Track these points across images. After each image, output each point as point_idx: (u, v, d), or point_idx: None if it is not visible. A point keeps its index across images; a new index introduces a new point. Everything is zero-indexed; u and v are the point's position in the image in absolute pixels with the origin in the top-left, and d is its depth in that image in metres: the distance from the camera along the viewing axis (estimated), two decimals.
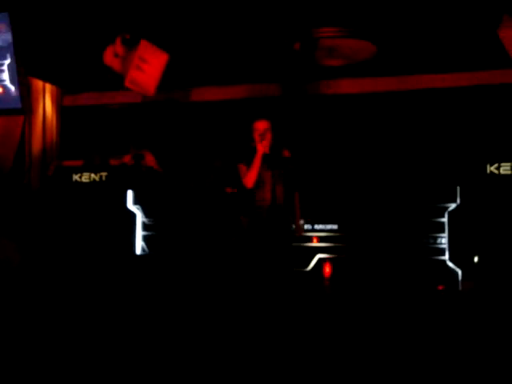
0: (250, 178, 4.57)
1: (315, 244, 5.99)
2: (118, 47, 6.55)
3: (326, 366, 3.60)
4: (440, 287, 5.58)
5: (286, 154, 4.75)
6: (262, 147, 4.56)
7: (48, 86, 7.46)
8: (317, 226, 6.04)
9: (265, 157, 4.58)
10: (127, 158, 6.67)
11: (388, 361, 3.71)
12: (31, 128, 7.17)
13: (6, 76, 6.72)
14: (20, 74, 6.63)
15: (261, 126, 4.66)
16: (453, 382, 3.34)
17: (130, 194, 6.29)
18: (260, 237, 4.64)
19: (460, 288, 5.50)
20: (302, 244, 5.90)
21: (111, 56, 6.60)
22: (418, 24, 6.09)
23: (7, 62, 6.68)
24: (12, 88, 6.73)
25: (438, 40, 6.37)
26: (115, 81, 6.76)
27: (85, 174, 6.50)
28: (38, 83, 7.31)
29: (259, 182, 4.61)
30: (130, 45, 6.56)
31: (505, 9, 5.35)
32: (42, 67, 7.13)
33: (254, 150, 4.61)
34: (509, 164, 5.50)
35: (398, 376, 3.44)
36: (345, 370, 3.52)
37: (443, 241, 5.66)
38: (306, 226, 5.91)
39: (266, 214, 4.62)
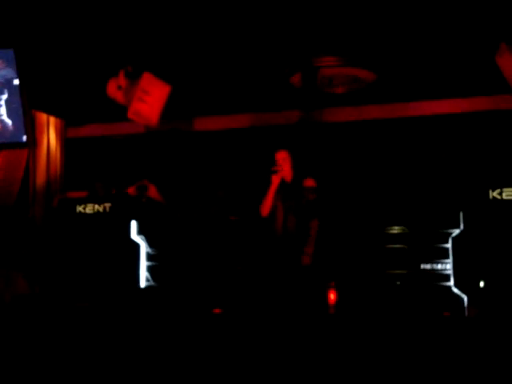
0: (264, 207, 4.61)
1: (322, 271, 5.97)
2: (121, 79, 6.65)
3: None
4: (446, 313, 5.54)
5: (309, 183, 4.77)
6: (276, 177, 4.60)
7: (52, 119, 7.53)
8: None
9: (283, 187, 4.60)
10: (131, 189, 6.70)
11: None
12: (35, 161, 7.22)
13: (3, 111, 6.85)
14: (25, 108, 6.73)
15: (276, 156, 4.72)
16: None
17: (133, 224, 6.30)
18: (268, 266, 4.66)
19: (466, 314, 5.46)
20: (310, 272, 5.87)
21: (114, 88, 6.70)
22: (418, 51, 6.17)
23: (5, 97, 6.83)
24: (9, 122, 6.85)
25: (438, 67, 6.44)
26: (118, 112, 6.84)
27: (89, 205, 6.51)
28: (42, 116, 7.38)
29: (272, 214, 4.64)
30: (133, 77, 6.66)
31: (502, 37, 5.42)
32: (46, 100, 7.21)
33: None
34: (511, 189, 5.50)
35: None
36: None
37: (448, 266, 5.64)
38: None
39: (277, 243, 4.63)
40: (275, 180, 4.61)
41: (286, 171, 4.75)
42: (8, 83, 6.80)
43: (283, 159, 4.73)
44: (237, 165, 7.40)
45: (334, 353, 4.61)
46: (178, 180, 7.52)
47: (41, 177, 7.29)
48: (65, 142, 7.77)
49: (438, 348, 4.65)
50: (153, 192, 6.77)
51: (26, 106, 6.78)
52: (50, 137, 7.49)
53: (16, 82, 6.78)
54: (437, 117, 7.15)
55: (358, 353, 4.56)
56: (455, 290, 5.55)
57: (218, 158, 7.54)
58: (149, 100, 6.50)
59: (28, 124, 6.80)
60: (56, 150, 7.58)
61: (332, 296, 5.89)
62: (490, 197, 5.56)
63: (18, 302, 6.01)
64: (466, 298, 5.49)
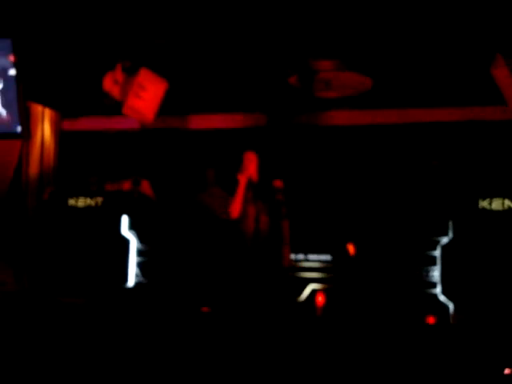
0: (234, 208, 4.64)
1: (307, 275, 6.01)
2: (118, 74, 6.63)
3: None
4: (431, 320, 5.59)
5: (278, 183, 4.82)
6: (242, 177, 4.64)
7: (47, 111, 7.51)
8: (308, 257, 6.07)
9: (251, 187, 4.65)
10: (126, 185, 6.70)
11: None
12: (29, 153, 7.21)
13: None
14: (20, 99, 6.71)
15: (245, 157, 4.77)
16: None
17: (125, 219, 6.31)
18: (245, 267, 4.69)
19: (451, 321, 5.52)
20: (292, 274, 5.92)
21: (111, 82, 6.68)
22: (415, 59, 6.22)
23: (0, 87, 6.79)
24: (3, 112, 6.83)
25: (432, 75, 6.49)
26: (114, 107, 6.83)
27: (80, 198, 6.52)
28: (38, 108, 7.36)
29: (244, 214, 4.67)
30: (130, 72, 6.64)
31: (498, 48, 5.47)
32: (41, 92, 7.19)
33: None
34: (500, 199, 5.56)
35: None
36: None
37: (435, 274, 5.70)
38: (298, 257, 5.94)
39: (251, 244, 4.67)
40: (241, 180, 4.66)
41: (252, 172, 4.80)
42: (3, 73, 6.77)
43: (249, 160, 4.78)
44: (227, 164, 7.41)
45: (320, 354, 4.65)
46: (171, 176, 7.53)
47: (34, 169, 7.28)
48: (59, 134, 7.76)
49: (422, 354, 4.70)
50: (146, 188, 6.78)
51: (21, 96, 6.75)
52: (45, 129, 7.47)
53: (12, 72, 6.75)
54: (428, 124, 7.19)
55: (345, 355, 4.60)
56: (442, 297, 5.60)
57: (210, 156, 7.55)
58: (145, 96, 6.49)
59: (22, 115, 6.77)
60: (50, 143, 7.56)
61: (320, 299, 5.93)
62: (480, 206, 5.62)
63: (7, 300, 5.99)
64: (451, 306, 5.55)
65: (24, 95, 6.75)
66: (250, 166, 4.75)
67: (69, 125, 7.89)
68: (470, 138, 7.01)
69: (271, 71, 6.76)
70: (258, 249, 4.69)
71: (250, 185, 4.70)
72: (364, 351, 4.74)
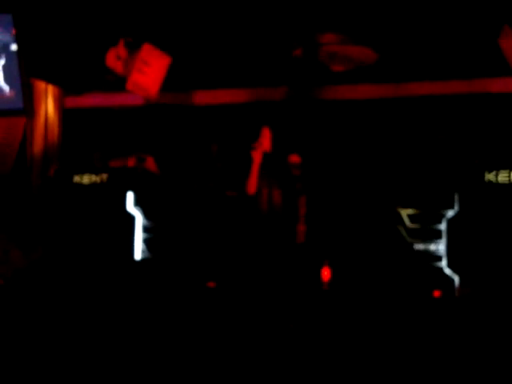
0: (250, 186, 4.64)
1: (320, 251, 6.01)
2: (121, 50, 6.58)
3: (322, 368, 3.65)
4: (437, 293, 5.61)
5: (294, 158, 4.81)
6: (256, 154, 4.63)
7: (50, 88, 7.47)
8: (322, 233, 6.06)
9: (266, 162, 4.64)
10: (131, 161, 6.69)
11: (383, 364, 3.75)
12: (33, 129, 7.19)
13: (0, 77, 6.79)
14: (23, 76, 6.67)
15: (260, 133, 4.75)
16: None
17: (130, 196, 6.31)
18: (258, 242, 4.69)
19: (456, 294, 5.54)
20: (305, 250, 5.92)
21: (114, 58, 6.63)
22: (421, 31, 6.14)
23: (1, 62, 6.74)
24: (7, 89, 6.79)
25: (439, 47, 6.41)
26: (117, 83, 6.79)
27: (85, 175, 6.51)
28: (41, 84, 7.32)
29: (258, 188, 4.67)
30: (133, 48, 6.59)
31: (505, 19, 5.40)
32: (45, 68, 7.15)
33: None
34: (507, 172, 5.53)
35: (391, 378, 3.48)
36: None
37: (441, 247, 5.70)
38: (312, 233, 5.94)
39: (263, 220, 4.67)
40: (256, 157, 4.66)
41: (266, 146, 4.78)
42: (5, 48, 6.73)
43: (263, 136, 4.77)
44: (234, 139, 7.39)
45: (326, 328, 4.68)
46: (177, 152, 7.51)
47: (38, 145, 7.26)
48: (63, 111, 7.73)
49: (428, 326, 4.73)
50: (150, 164, 6.77)
51: (23, 72, 6.71)
52: (48, 105, 7.44)
53: (13, 47, 6.70)
54: (435, 97, 7.13)
55: (350, 329, 4.64)
56: (447, 270, 5.61)
57: (216, 131, 7.52)
58: (148, 71, 6.44)
59: (26, 91, 6.74)
60: (54, 119, 7.53)
61: (326, 273, 5.95)
62: (486, 179, 5.59)
63: (15, 276, 6.04)
64: (457, 279, 5.56)
65: (27, 71, 6.72)
66: (265, 141, 4.73)
67: (72, 102, 7.86)
68: (477, 110, 6.96)
69: (277, 45, 6.69)
70: (271, 224, 4.68)
71: (266, 160, 4.69)
72: (370, 324, 4.77)
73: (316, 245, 5.93)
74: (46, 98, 7.41)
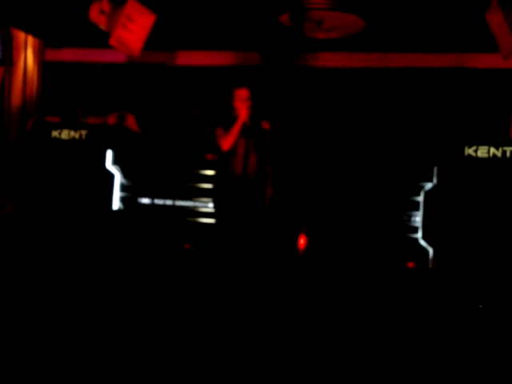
0: (227, 142, 4.64)
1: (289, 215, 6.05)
2: (105, 4, 6.41)
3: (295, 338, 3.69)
4: (411, 264, 5.70)
5: (265, 125, 4.82)
6: (245, 113, 4.63)
7: (30, 39, 7.28)
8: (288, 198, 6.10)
9: (243, 126, 4.64)
10: (112, 119, 6.59)
11: (355, 333, 3.80)
12: (11, 81, 7.02)
13: None
14: (1, 25, 6.47)
15: (244, 93, 4.73)
16: (416, 355, 3.45)
17: (109, 153, 6.24)
18: (230, 204, 4.72)
19: (430, 266, 5.63)
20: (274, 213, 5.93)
21: (97, 12, 6.45)
22: (410, 3, 6.09)
23: None
24: None
25: (425, 19, 6.37)
26: (100, 38, 6.64)
27: (64, 130, 6.41)
28: (20, 35, 7.13)
29: (233, 150, 4.68)
30: (117, 2, 6.43)
31: None
32: (24, 18, 6.95)
33: (232, 117, 4.68)
34: (486, 147, 5.59)
35: (363, 348, 3.53)
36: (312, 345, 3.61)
37: (417, 219, 5.77)
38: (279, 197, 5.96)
39: (237, 182, 4.69)
40: (242, 115, 4.65)
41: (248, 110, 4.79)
42: None
43: (249, 97, 4.76)
44: (214, 102, 7.32)
45: (301, 295, 4.73)
46: (157, 113, 7.43)
47: (16, 97, 7.10)
48: (42, 64, 7.56)
49: (400, 296, 4.81)
50: (131, 122, 6.69)
51: (2, 21, 6.51)
52: (28, 57, 7.25)
53: None
54: (417, 70, 7.15)
55: (325, 295, 4.69)
56: (422, 242, 5.69)
57: (197, 93, 7.45)
58: (133, 28, 6.30)
59: (4, 40, 6.53)
60: (33, 71, 7.36)
61: (301, 241, 5.99)
62: (465, 154, 5.64)
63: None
64: (431, 251, 5.65)
65: (5, 20, 6.52)
66: (248, 103, 4.72)
67: (52, 55, 7.69)
68: (458, 84, 6.99)
69: (262, 8, 6.59)
70: (243, 187, 4.71)
71: (244, 122, 4.68)
72: (344, 293, 4.83)
73: (285, 211, 5.97)
74: (26, 49, 7.23)
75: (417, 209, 5.77)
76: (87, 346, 3.26)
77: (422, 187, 5.73)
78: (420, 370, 3.21)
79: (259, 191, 4.78)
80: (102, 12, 6.41)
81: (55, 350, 3.17)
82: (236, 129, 4.61)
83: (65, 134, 6.38)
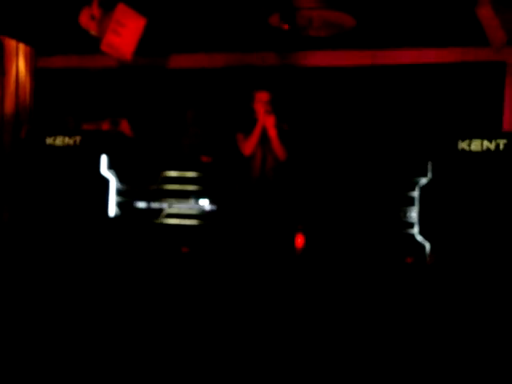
0: (248, 146, 4.64)
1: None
2: (95, 9, 6.42)
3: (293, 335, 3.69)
4: (408, 260, 5.70)
5: (285, 127, 4.82)
6: (267, 117, 4.62)
7: (22, 46, 7.29)
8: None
9: (263, 129, 4.64)
10: (105, 124, 6.60)
11: (354, 329, 3.81)
12: (4, 89, 7.03)
13: None
14: None
15: (265, 96, 4.74)
16: (414, 350, 3.46)
17: (104, 159, 6.24)
18: (248, 207, 4.71)
19: (427, 261, 5.64)
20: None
21: (87, 18, 6.46)
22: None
23: None
24: None
25: (414, 15, 6.39)
26: (91, 44, 6.65)
27: (58, 137, 6.41)
28: (12, 43, 7.14)
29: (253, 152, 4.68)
30: (107, 8, 6.44)
31: None
32: (15, 26, 6.96)
33: (253, 119, 4.68)
34: (479, 140, 5.60)
35: (362, 343, 3.54)
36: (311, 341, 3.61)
37: (413, 214, 5.77)
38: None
39: (255, 184, 4.69)
40: (265, 119, 4.64)
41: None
42: None
43: (268, 99, 4.77)
44: (209, 104, 7.34)
45: (299, 292, 4.73)
46: (151, 117, 7.43)
47: (9, 105, 7.10)
48: (35, 71, 7.56)
49: (399, 291, 4.82)
50: (124, 127, 6.69)
51: None
52: (20, 64, 7.26)
53: None
54: (410, 66, 7.17)
55: (323, 292, 4.69)
56: (419, 237, 5.70)
57: (192, 96, 7.45)
58: (123, 32, 6.31)
59: None
60: (25, 79, 7.37)
61: (299, 240, 5.99)
62: (459, 148, 5.65)
63: None
64: (428, 246, 5.65)
65: None
66: (267, 107, 4.73)
67: (44, 62, 7.70)
68: (451, 79, 7.01)
69: (254, 9, 6.60)
70: (259, 188, 4.70)
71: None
72: (342, 289, 4.84)
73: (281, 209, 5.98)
74: (17, 56, 7.23)
75: (412, 204, 5.77)
76: (86, 350, 3.27)
77: (417, 182, 5.73)
78: (418, 365, 3.22)
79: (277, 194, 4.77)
80: (93, 17, 6.42)
81: (52, 358, 3.17)
82: (257, 132, 4.61)
83: (59, 141, 6.39)
